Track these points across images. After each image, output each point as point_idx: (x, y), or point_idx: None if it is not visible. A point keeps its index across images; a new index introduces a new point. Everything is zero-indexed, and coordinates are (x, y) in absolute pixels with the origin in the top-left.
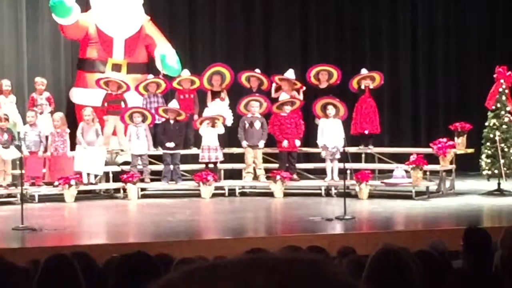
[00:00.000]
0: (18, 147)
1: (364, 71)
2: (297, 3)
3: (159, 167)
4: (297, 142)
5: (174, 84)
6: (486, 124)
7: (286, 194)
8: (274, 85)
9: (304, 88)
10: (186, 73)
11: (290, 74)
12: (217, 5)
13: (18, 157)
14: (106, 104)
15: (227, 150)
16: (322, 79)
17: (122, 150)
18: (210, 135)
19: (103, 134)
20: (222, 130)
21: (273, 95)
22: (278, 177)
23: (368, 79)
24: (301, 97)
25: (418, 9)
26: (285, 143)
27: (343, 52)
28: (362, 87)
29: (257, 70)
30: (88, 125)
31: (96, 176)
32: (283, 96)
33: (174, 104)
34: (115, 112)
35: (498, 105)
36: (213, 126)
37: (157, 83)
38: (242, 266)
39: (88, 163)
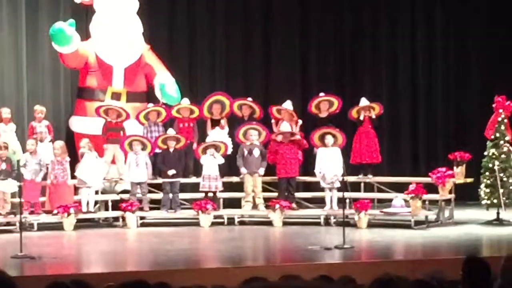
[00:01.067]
0: (17, 177)
1: (364, 101)
2: (296, 32)
3: (159, 195)
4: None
5: (173, 112)
6: (485, 153)
7: (285, 223)
8: (273, 120)
9: (300, 122)
10: (185, 102)
11: (287, 105)
12: (217, 35)
13: (15, 190)
14: (106, 132)
15: (226, 179)
16: (322, 108)
17: (121, 179)
18: (210, 164)
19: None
20: (221, 160)
21: (275, 129)
22: (277, 206)
23: (368, 109)
24: (297, 130)
25: (417, 37)
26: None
27: (343, 82)
28: (361, 117)
29: (249, 99)
30: (86, 154)
31: (95, 205)
32: (284, 127)
33: (171, 132)
34: (114, 141)
35: (497, 134)
36: (216, 151)
37: (158, 111)
38: None
39: (89, 172)
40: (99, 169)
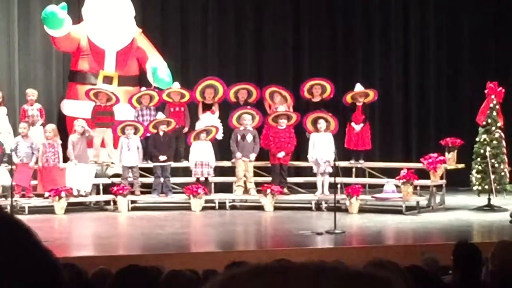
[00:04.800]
0: (8, 161)
1: (358, 87)
2: (289, 17)
3: (150, 179)
4: (282, 154)
5: (164, 96)
6: (477, 139)
7: (276, 208)
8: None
9: (292, 103)
10: (176, 86)
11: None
12: (209, 18)
13: (8, 184)
14: (95, 116)
15: (217, 163)
16: (315, 93)
17: (112, 163)
18: (202, 150)
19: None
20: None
21: (269, 112)
22: (268, 190)
23: (362, 96)
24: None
25: (410, 25)
26: (281, 154)
27: (336, 65)
28: (357, 103)
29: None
30: (77, 138)
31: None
32: (279, 109)
33: (161, 116)
34: (103, 124)
35: (489, 120)
36: (207, 135)
37: (150, 95)
38: (314, 271)
39: (77, 179)
40: (87, 173)
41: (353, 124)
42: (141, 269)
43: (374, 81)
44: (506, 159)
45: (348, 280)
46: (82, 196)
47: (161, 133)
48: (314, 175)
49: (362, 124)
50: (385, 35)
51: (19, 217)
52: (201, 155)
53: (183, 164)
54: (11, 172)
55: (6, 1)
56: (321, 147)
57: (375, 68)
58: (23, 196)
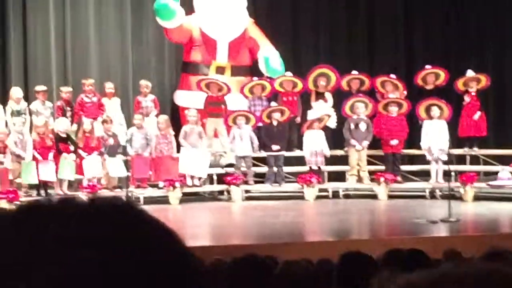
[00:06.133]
0: (123, 152)
1: (470, 73)
2: (400, 3)
3: (263, 169)
4: (395, 141)
5: (276, 85)
6: None
7: (390, 196)
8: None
9: (405, 93)
10: (289, 75)
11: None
12: (320, 8)
13: (124, 175)
14: (207, 106)
15: (331, 152)
16: (429, 80)
17: (225, 152)
18: (315, 139)
19: (205, 136)
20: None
21: (380, 100)
22: (382, 179)
23: (474, 81)
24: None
25: None
26: (394, 142)
27: (448, 51)
28: (469, 89)
29: (354, 72)
30: (191, 128)
31: (200, 178)
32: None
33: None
34: (215, 114)
35: None
36: (319, 124)
37: (263, 85)
38: (497, 281)
39: (192, 165)
40: (202, 159)
41: (467, 111)
42: (257, 259)
43: (487, 66)
44: None
45: None
46: (196, 186)
47: (274, 123)
48: (428, 163)
49: (479, 112)
50: (500, 20)
51: None
52: (314, 144)
53: (296, 153)
54: (126, 163)
55: None
56: (435, 134)
57: (488, 53)
58: (138, 186)
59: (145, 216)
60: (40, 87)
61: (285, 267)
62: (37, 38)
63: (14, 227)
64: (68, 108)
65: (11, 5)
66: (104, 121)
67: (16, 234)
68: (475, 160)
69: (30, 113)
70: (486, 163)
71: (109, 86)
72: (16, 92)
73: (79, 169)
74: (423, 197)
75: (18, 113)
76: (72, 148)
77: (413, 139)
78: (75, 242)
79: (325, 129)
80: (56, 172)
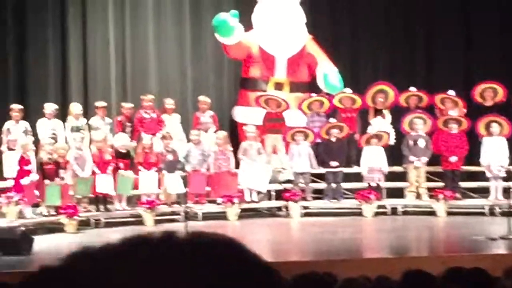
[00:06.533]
0: (182, 168)
1: None
2: (460, 18)
3: (321, 185)
4: (454, 158)
5: (335, 101)
6: None
7: (449, 213)
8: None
9: (463, 107)
10: (347, 91)
11: (451, 93)
12: (380, 25)
13: (182, 192)
14: (266, 123)
15: (389, 169)
16: (487, 96)
17: (283, 168)
18: (374, 156)
19: (263, 152)
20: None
21: (439, 117)
22: (441, 196)
23: None
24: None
25: None
26: (453, 158)
27: (508, 67)
28: None
29: (412, 88)
30: (249, 144)
31: (258, 194)
32: (450, 113)
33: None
34: (274, 131)
35: None
36: (378, 141)
37: (321, 101)
38: None
39: (252, 179)
40: (262, 174)
41: None
42: (316, 276)
43: None
44: None
45: None
46: (254, 202)
47: (333, 139)
48: (487, 179)
49: None
50: None
51: (194, 223)
52: (373, 161)
53: (355, 169)
54: (184, 179)
55: (178, 8)
56: (494, 151)
57: None
58: (196, 202)
59: (246, 253)
60: (100, 103)
61: (344, 285)
62: (97, 54)
63: (117, 261)
64: (128, 124)
65: (72, 23)
66: (163, 137)
67: (118, 268)
68: None
69: (90, 129)
70: None
71: (169, 102)
72: (75, 108)
73: (138, 185)
74: (482, 214)
75: (77, 129)
76: (131, 163)
77: (473, 156)
78: (180, 280)
79: (386, 145)
80: (115, 187)
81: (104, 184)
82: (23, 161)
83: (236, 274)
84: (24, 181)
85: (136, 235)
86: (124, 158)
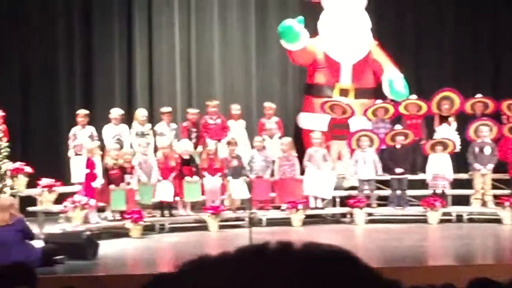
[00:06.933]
0: (246, 174)
1: None
2: None
3: (386, 192)
4: None
5: (400, 108)
6: None
7: None
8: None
9: None
10: (413, 98)
11: None
12: (445, 30)
13: (247, 197)
14: (331, 129)
15: (454, 176)
16: None
17: (348, 175)
18: (440, 163)
19: (329, 158)
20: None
21: (506, 123)
22: (507, 203)
23: None
24: None
25: None
26: None
27: None
28: None
29: (478, 95)
30: (315, 150)
31: (323, 200)
32: None
33: (398, 128)
34: (340, 137)
35: None
36: (444, 148)
37: (386, 108)
38: None
39: (317, 186)
40: (327, 181)
41: None
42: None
43: None
44: None
45: None
46: (319, 208)
47: (398, 146)
48: None
49: None
50: None
51: (258, 229)
52: (438, 168)
53: (420, 176)
54: (249, 185)
55: (244, 15)
56: None
57: None
58: (260, 208)
59: (362, 266)
60: (165, 109)
61: None
62: (162, 60)
63: (233, 272)
64: (194, 130)
65: (137, 30)
66: (228, 143)
67: (234, 279)
68: None
69: (155, 135)
70: None
71: (235, 108)
72: (140, 113)
73: (202, 190)
74: None
75: (142, 134)
76: (194, 169)
77: None
78: None
79: (450, 152)
80: (180, 193)
81: (164, 191)
82: (91, 165)
83: None
84: (94, 183)
85: (252, 246)
86: (188, 164)
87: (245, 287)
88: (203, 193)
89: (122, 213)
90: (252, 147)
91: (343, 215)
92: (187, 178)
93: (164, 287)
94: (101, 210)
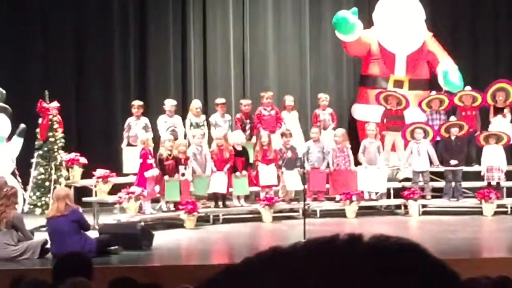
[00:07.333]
0: (301, 165)
1: None
2: None
3: (441, 183)
4: None
5: (455, 100)
6: None
7: None
8: None
9: None
10: (468, 89)
11: None
12: (500, 21)
13: (301, 189)
14: (385, 120)
15: (509, 168)
16: None
17: (402, 167)
18: (494, 155)
19: (383, 150)
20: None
21: None
22: None
23: None
24: None
25: None
26: None
27: None
28: None
29: None
30: (370, 142)
31: (377, 192)
32: None
33: (452, 120)
34: (394, 128)
35: None
36: (498, 140)
37: (441, 99)
38: None
39: (370, 182)
40: (379, 175)
41: None
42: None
43: None
44: None
45: None
46: (373, 200)
47: (452, 137)
48: None
49: None
50: None
51: (312, 220)
52: (493, 160)
53: (475, 168)
54: (303, 176)
55: (298, 6)
56: None
57: None
58: (315, 199)
59: (433, 260)
60: (220, 100)
61: (467, 284)
62: (217, 52)
63: (307, 261)
64: (247, 121)
65: (192, 23)
66: (283, 134)
67: (303, 272)
68: None
69: (209, 126)
70: None
71: (289, 99)
72: (196, 104)
73: (256, 181)
74: None
75: (197, 126)
76: (246, 161)
77: None
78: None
79: (507, 144)
80: (231, 188)
81: (218, 183)
82: (145, 155)
83: (423, 285)
84: (147, 173)
85: (322, 237)
86: (240, 155)
87: (314, 278)
88: (254, 184)
89: (176, 204)
90: (306, 138)
91: (398, 206)
92: (237, 174)
93: (236, 278)
94: (155, 201)
